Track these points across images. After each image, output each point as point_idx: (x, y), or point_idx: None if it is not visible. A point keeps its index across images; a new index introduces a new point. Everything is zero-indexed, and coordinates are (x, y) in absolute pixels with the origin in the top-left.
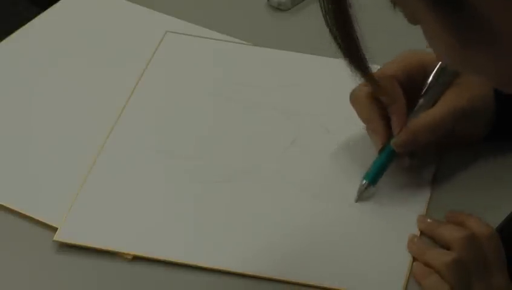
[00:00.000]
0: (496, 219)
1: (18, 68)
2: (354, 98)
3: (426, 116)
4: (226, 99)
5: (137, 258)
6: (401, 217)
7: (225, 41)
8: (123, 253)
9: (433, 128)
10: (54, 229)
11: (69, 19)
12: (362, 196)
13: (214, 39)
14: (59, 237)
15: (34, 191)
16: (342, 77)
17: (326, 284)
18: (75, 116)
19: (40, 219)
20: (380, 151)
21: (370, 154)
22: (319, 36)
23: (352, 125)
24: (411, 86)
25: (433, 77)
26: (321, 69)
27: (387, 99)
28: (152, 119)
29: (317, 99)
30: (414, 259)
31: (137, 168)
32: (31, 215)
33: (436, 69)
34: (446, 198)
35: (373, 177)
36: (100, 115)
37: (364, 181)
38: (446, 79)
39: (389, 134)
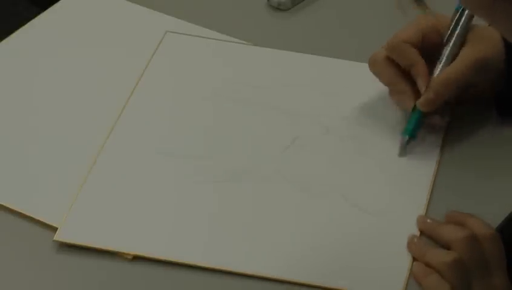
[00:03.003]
0: (496, 219)
1: (18, 68)
2: (373, 62)
3: (447, 72)
4: (225, 99)
5: (137, 258)
6: (401, 217)
7: (225, 41)
8: (123, 253)
9: (453, 83)
10: (54, 229)
11: (69, 19)
12: (404, 150)
13: (214, 39)
14: (59, 237)
15: (34, 191)
16: (342, 77)
17: (326, 284)
18: (75, 116)
19: (40, 219)
20: (413, 109)
21: (370, 154)
22: (319, 36)
23: (352, 125)
24: (426, 49)
25: (450, 32)
26: (321, 69)
27: (406, 63)
28: (152, 119)
29: (317, 99)
30: (414, 259)
31: (136, 168)
32: (31, 215)
33: (451, 24)
34: (446, 198)
35: (412, 131)
36: (100, 115)
37: (406, 136)
38: (462, 31)
39: (417, 92)
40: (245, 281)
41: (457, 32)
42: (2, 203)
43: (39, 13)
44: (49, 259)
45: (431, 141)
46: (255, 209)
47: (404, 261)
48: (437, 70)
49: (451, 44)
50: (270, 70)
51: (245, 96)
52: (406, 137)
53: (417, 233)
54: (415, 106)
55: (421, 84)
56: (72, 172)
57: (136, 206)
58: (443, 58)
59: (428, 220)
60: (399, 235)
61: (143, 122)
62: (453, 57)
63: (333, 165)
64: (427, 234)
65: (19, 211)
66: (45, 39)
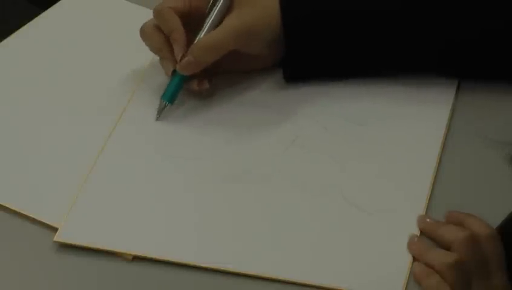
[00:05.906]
0: (496, 219)
1: (18, 68)
2: (142, 30)
3: (206, 38)
4: (225, 99)
5: (137, 258)
6: (401, 217)
7: None
8: (123, 253)
9: (213, 48)
10: (54, 229)
11: (69, 19)
12: (162, 114)
13: None
14: (59, 237)
15: (34, 191)
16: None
17: (326, 284)
18: (75, 116)
19: (40, 219)
20: (172, 74)
21: (369, 154)
22: None
23: (352, 124)
24: (195, 17)
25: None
26: None
27: (167, 29)
28: (153, 119)
29: (317, 99)
30: (414, 259)
31: (137, 169)
32: (31, 215)
33: None
34: (447, 198)
35: (170, 97)
36: (100, 115)
37: (164, 101)
38: (226, 2)
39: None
40: (245, 281)
41: (215, 10)
42: (2, 203)
43: (39, 13)
44: (49, 259)
45: (431, 140)
46: (255, 209)
47: (404, 261)
48: (199, 37)
49: (214, 11)
50: (270, 70)
51: (245, 96)
52: (165, 102)
53: (418, 233)
54: (175, 71)
55: (177, 50)
56: (72, 172)
57: (136, 206)
58: (205, 26)
59: (428, 220)
60: (399, 235)
61: (144, 123)
62: (217, 24)
63: (333, 165)
64: (427, 234)
65: (19, 211)
66: (45, 39)
